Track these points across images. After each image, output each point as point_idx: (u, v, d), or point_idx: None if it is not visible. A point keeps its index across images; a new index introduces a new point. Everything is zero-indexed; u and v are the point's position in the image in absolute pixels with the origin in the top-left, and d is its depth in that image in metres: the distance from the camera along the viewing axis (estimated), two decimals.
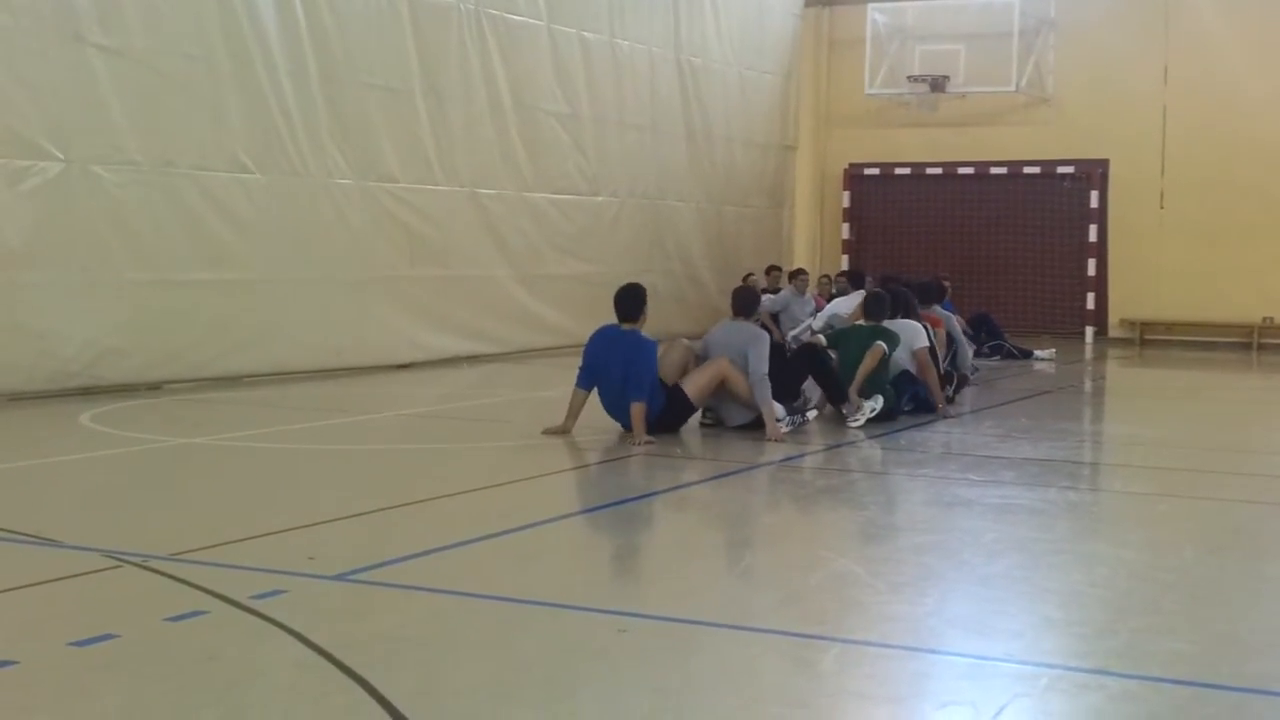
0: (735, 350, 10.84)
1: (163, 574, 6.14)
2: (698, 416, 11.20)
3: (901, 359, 11.92)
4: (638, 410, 10.38)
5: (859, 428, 11.30)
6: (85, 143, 12.59)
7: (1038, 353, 18.94)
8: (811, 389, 11.87)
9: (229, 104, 13.88)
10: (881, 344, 11.64)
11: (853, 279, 17.47)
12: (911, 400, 12.01)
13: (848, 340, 11.95)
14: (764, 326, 14.49)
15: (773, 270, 20.31)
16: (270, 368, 14.35)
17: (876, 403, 11.53)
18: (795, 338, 16.27)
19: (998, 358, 18.44)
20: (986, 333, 18.84)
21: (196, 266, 13.62)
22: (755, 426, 10.82)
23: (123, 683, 4.77)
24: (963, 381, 13.36)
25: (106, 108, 12.75)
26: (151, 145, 13.14)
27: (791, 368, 11.55)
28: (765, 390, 10.68)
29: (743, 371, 10.77)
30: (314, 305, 14.84)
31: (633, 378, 10.44)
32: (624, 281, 11.21)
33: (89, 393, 12.55)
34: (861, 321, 12.30)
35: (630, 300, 10.78)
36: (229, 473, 9.36)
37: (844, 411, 11.49)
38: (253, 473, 9.38)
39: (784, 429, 10.83)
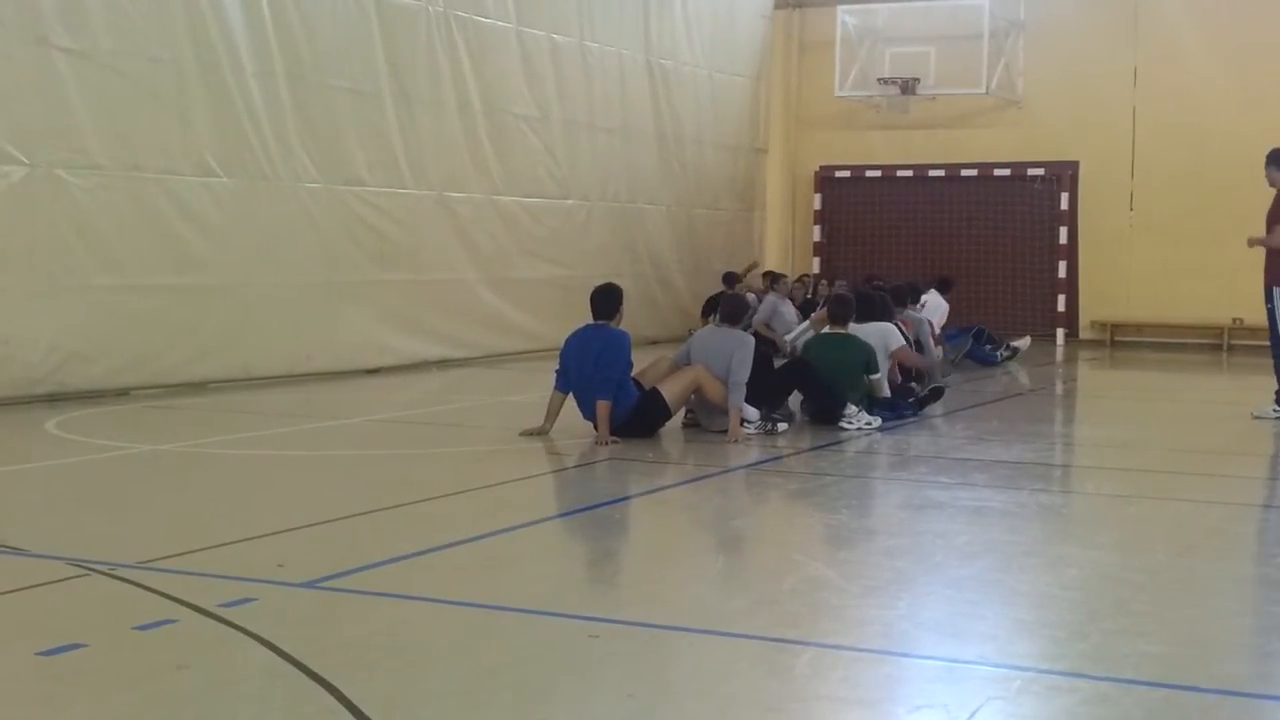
0: (723, 355, 10.88)
1: (130, 582, 6.09)
2: (680, 414, 11.24)
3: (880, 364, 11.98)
4: (602, 409, 10.43)
5: (852, 429, 11.36)
6: (50, 146, 12.46)
7: (1014, 343, 18.93)
8: (794, 400, 11.89)
9: (195, 107, 13.77)
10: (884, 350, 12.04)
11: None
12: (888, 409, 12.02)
13: (838, 349, 11.83)
14: (758, 335, 14.73)
15: (769, 276, 19.94)
16: (238, 373, 14.26)
17: (876, 420, 11.57)
18: (793, 340, 16.16)
19: (995, 352, 18.31)
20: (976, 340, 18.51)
21: (163, 271, 13.51)
22: None
23: (91, 692, 4.72)
24: (937, 393, 13.23)
25: (71, 111, 12.63)
26: (117, 149, 13.03)
27: (780, 378, 11.68)
28: (739, 395, 10.77)
29: (718, 379, 10.85)
30: (282, 310, 14.73)
31: (601, 374, 10.47)
32: (595, 285, 11.18)
33: (54, 399, 12.44)
34: (829, 328, 12.24)
35: (605, 299, 10.86)
36: (197, 480, 9.29)
37: (843, 413, 11.51)
38: (221, 480, 9.31)
39: (750, 430, 10.92)
